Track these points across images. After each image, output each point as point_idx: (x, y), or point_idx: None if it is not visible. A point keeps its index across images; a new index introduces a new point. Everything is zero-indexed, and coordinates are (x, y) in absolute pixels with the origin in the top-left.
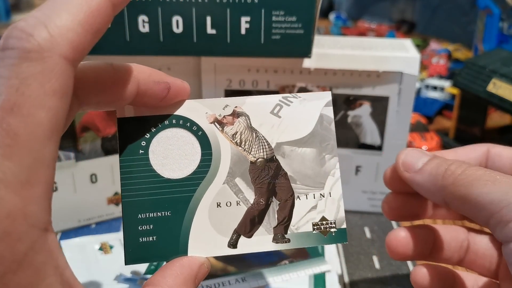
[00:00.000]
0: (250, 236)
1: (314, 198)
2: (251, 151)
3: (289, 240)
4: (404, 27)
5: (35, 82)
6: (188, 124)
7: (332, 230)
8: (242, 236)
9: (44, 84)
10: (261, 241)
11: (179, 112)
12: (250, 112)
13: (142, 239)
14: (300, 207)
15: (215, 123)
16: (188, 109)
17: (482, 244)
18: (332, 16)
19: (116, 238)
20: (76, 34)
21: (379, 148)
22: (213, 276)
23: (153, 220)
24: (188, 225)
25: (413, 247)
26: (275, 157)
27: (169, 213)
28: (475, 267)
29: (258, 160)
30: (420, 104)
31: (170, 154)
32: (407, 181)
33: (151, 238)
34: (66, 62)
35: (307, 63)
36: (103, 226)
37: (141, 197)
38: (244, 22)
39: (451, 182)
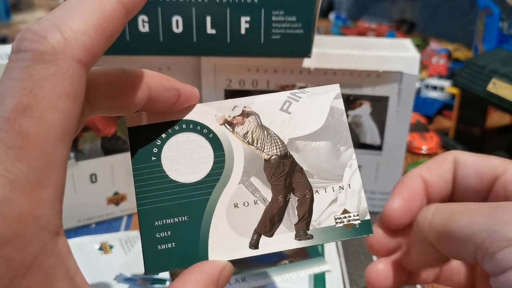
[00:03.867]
0: (271, 235)
1: (333, 191)
2: (264, 149)
3: (312, 236)
4: (404, 27)
5: (48, 84)
6: (199, 127)
7: (356, 222)
8: (263, 235)
9: (57, 86)
10: (283, 240)
11: (189, 116)
12: (259, 111)
13: (161, 246)
14: (320, 201)
15: (225, 124)
16: (198, 112)
17: (456, 261)
18: (332, 16)
19: (116, 238)
20: (89, 38)
21: (379, 148)
22: None
23: (170, 226)
24: (206, 229)
25: (393, 277)
26: (289, 153)
27: (186, 218)
28: (451, 284)
29: (272, 157)
30: (420, 104)
31: (182, 158)
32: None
33: (169, 245)
34: (79, 65)
35: (307, 63)
36: (103, 226)
37: (156, 204)
38: (244, 22)
39: (427, 228)
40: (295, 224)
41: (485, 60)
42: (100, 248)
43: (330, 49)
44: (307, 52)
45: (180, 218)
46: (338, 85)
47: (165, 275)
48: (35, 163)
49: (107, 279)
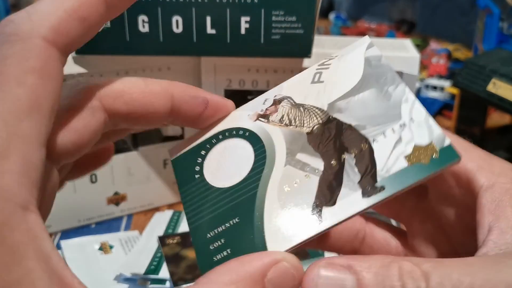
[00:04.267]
0: (333, 204)
1: (394, 132)
2: (303, 124)
3: (383, 188)
4: (404, 27)
5: (13, 62)
6: (234, 132)
7: (433, 153)
8: (324, 207)
9: (22, 63)
10: (349, 203)
11: (224, 126)
12: (291, 93)
13: (216, 257)
14: (381, 148)
15: (259, 118)
16: (231, 119)
17: (381, 235)
18: (332, 16)
19: (116, 238)
20: (58, 18)
21: None
22: None
23: (223, 233)
24: (260, 223)
25: None
26: (331, 116)
27: (237, 219)
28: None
29: (314, 127)
30: None
31: (223, 165)
32: None
33: (225, 253)
34: (46, 43)
35: (307, 63)
36: (103, 226)
37: (206, 217)
38: (244, 22)
39: None
40: (358, 182)
41: (485, 60)
42: (100, 248)
43: (330, 49)
44: (307, 52)
45: (231, 222)
46: (367, 36)
47: (165, 275)
48: None
49: (107, 279)
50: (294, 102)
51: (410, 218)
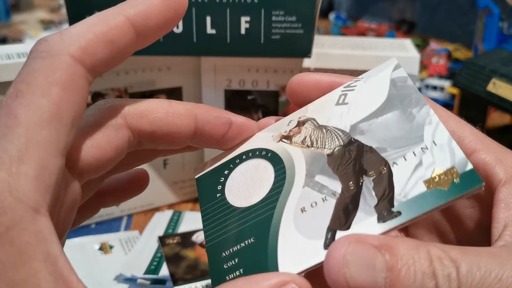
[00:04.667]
0: (348, 228)
1: (415, 155)
2: (325, 146)
3: (399, 213)
4: (404, 27)
5: (41, 75)
6: (257, 152)
7: (454, 177)
8: (338, 231)
9: (49, 76)
10: (364, 228)
11: (247, 147)
12: (315, 115)
13: (229, 276)
14: (401, 172)
15: (282, 139)
16: (255, 141)
17: None
18: (332, 16)
19: (116, 238)
20: (86, 39)
21: None
22: None
23: (237, 253)
24: (274, 243)
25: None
26: (353, 138)
27: (252, 239)
28: None
29: (335, 149)
30: None
31: (244, 185)
32: None
33: (237, 273)
34: (72, 60)
35: (307, 63)
36: (103, 226)
37: (222, 236)
38: (244, 22)
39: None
40: (375, 206)
41: (485, 60)
42: (100, 248)
43: (330, 49)
44: (307, 52)
45: (246, 242)
46: (394, 58)
47: (165, 275)
48: (18, 141)
49: (107, 279)
50: (318, 124)
51: None
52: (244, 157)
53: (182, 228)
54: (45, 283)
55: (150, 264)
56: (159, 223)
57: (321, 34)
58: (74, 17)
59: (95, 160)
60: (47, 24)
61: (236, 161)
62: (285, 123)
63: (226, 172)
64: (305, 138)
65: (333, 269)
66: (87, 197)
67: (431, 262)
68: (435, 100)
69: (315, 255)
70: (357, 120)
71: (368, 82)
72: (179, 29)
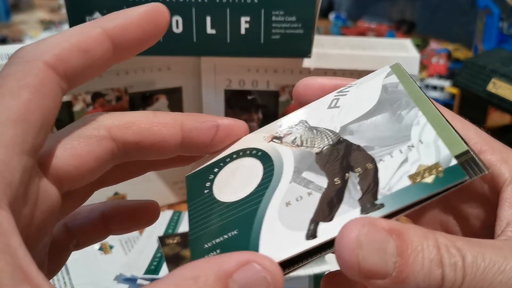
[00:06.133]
0: (330, 219)
1: (402, 152)
2: (314, 145)
3: (382, 205)
4: (404, 27)
5: (13, 79)
6: (248, 152)
7: (438, 172)
8: (321, 222)
9: (20, 80)
10: (346, 220)
11: (238, 147)
12: (306, 118)
13: None
14: (387, 168)
15: (273, 140)
16: (246, 141)
17: None
18: (331, 16)
19: (116, 238)
20: (60, 47)
21: None
22: None
23: (219, 244)
24: (257, 235)
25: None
26: (342, 138)
27: (236, 231)
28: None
29: (324, 148)
30: None
31: (232, 181)
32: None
33: None
34: (46, 66)
35: (307, 63)
36: None
37: (206, 229)
38: (244, 22)
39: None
40: (359, 200)
41: (485, 60)
42: (100, 248)
43: (330, 49)
44: (307, 52)
45: (229, 234)
46: (387, 66)
47: (165, 275)
48: None
49: (107, 279)
50: (309, 125)
51: (423, 208)
52: (234, 156)
53: (182, 228)
54: (2, 273)
55: (150, 264)
56: (159, 223)
57: (321, 34)
58: (74, 17)
59: (74, 168)
60: (47, 24)
61: (227, 160)
62: (277, 125)
63: (215, 170)
64: (295, 138)
65: (346, 249)
66: (75, 206)
67: (439, 250)
68: (435, 100)
69: (296, 244)
70: (348, 122)
71: (361, 88)
72: (179, 29)
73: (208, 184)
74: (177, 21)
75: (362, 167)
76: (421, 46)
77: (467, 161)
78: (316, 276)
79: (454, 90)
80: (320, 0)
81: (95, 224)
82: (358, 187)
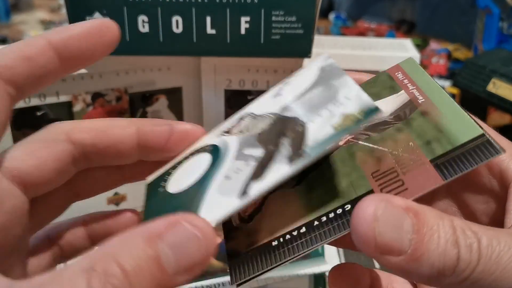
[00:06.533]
0: (262, 179)
1: (329, 110)
2: (257, 127)
3: (305, 152)
4: (404, 27)
5: None
6: (201, 149)
7: (360, 115)
8: (252, 181)
9: None
10: (275, 173)
11: (194, 148)
12: (254, 110)
13: None
14: (315, 126)
15: (223, 134)
16: (202, 141)
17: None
18: (331, 16)
19: None
20: (4, 56)
21: None
22: (213, 276)
23: None
24: (197, 208)
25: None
26: (281, 115)
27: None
28: None
29: (264, 127)
30: None
31: (184, 176)
32: (389, 267)
33: None
34: None
35: (307, 63)
36: None
37: (157, 215)
38: (244, 22)
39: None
40: (288, 157)
41: (485, 60)
42: None
43: (330, 49)
44: (307, 52)
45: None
46: (326, 54)
47: None
48: None
49: None
50: (255, 115)
51: (430, 202)
52: (189, 156)
53: None
54: None
55: None
56: None
57: (321, 34)
58: (74, 17)
59: (35, 169)
60: (47, 24)
61: (182, 161)
62: (229, 121)
63: (171, 171)
64: (241, 127)
65: (363, 222)
66: (52, 216)
67: (455, 231)
68: None
69: (230, 204)
70: (286, 101)
71: (300, 75)
72: (179, 29)
73: (162, 183)
74: (177, 21)
75: (294, 131)
76: (421, 46)
77: (483, 143)
78: (316, 276)
79: (454, 90)
80: (320, 0)
81: (78, 235)
82: (289, 148)
